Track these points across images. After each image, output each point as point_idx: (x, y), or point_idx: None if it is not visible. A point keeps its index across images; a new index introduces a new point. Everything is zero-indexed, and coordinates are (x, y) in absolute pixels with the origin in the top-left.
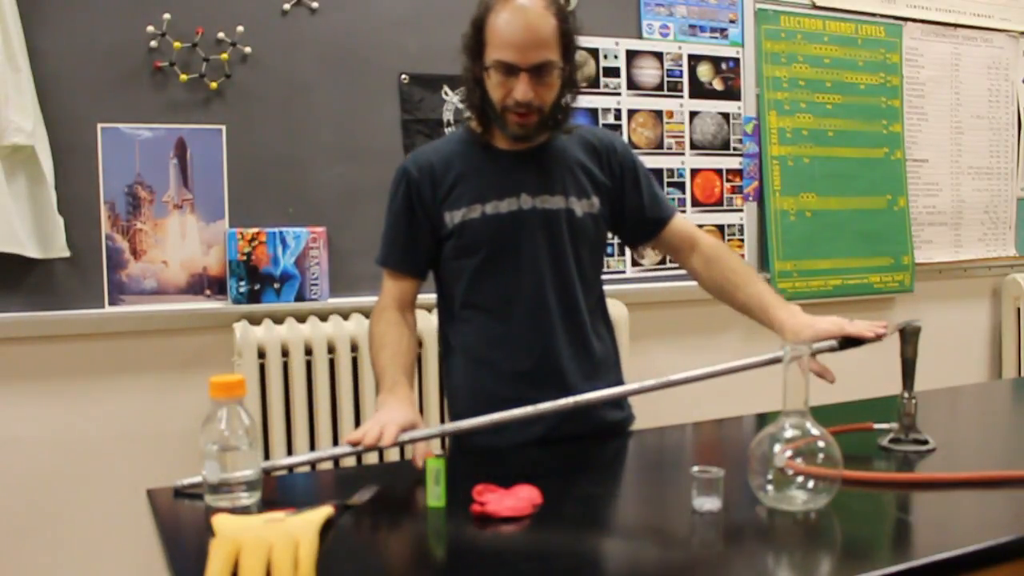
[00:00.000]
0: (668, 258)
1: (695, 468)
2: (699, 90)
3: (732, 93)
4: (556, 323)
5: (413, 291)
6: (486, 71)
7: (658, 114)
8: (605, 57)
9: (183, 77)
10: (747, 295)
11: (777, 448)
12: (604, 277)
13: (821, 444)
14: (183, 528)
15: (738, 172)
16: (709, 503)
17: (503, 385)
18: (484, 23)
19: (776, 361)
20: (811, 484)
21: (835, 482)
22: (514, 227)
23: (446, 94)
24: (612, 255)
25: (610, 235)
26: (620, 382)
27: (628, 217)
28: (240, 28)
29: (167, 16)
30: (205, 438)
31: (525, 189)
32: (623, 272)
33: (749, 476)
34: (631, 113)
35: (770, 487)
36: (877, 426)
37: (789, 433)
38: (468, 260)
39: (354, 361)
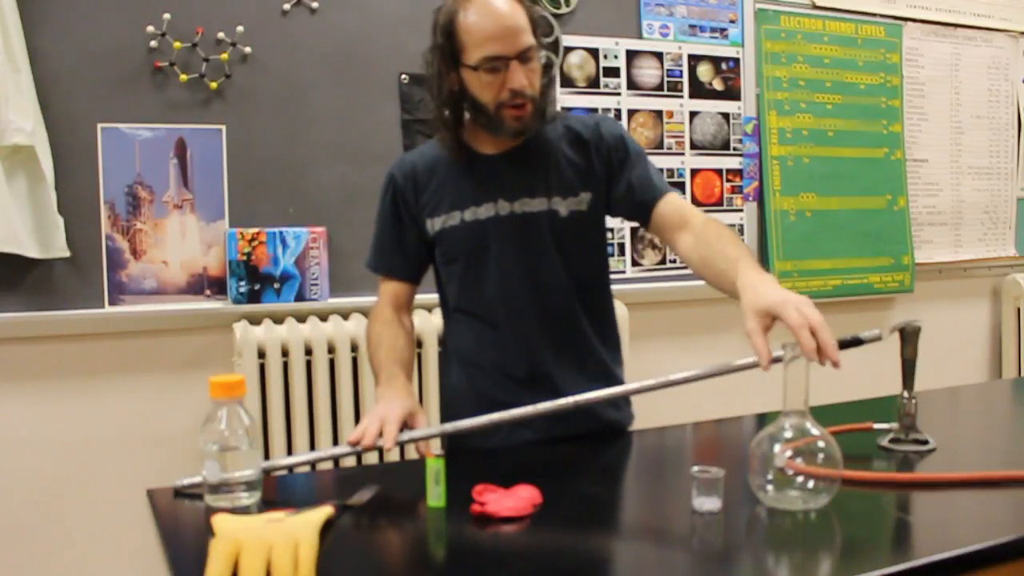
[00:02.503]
0: (668, 258)
1: (695, 468)
2: (699, 90)
3: (732, 93)
4: (540, 330)
5: (407, 294)
6: (474, 72)
7: (658, 114)
8: (605, 57)
9: (183, 77)
10: (725, 261)
11: (777, 448)
12: None
13: (821, 444)
14: (183, 528)
15: (738, 172)
16: (709, 503)
17: (497, 389)
18: (454, 27)
19: (776, 361)
20: (811, 484)
21: (835, 482)
22: (490, 234)
23: None
24: (612, 255)
25: (610, 236)
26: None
27: (619, 202)
28: (240, 28)
29: (167, 16)
30: (205, 438)
31: (503, 194)
32: (623, 272)
33: (749, 476)
34: (631, 113)
35: (770, 487)
36: (877, 426)
37: (789, 433)
38: (451, 267)
39: (354, 361)
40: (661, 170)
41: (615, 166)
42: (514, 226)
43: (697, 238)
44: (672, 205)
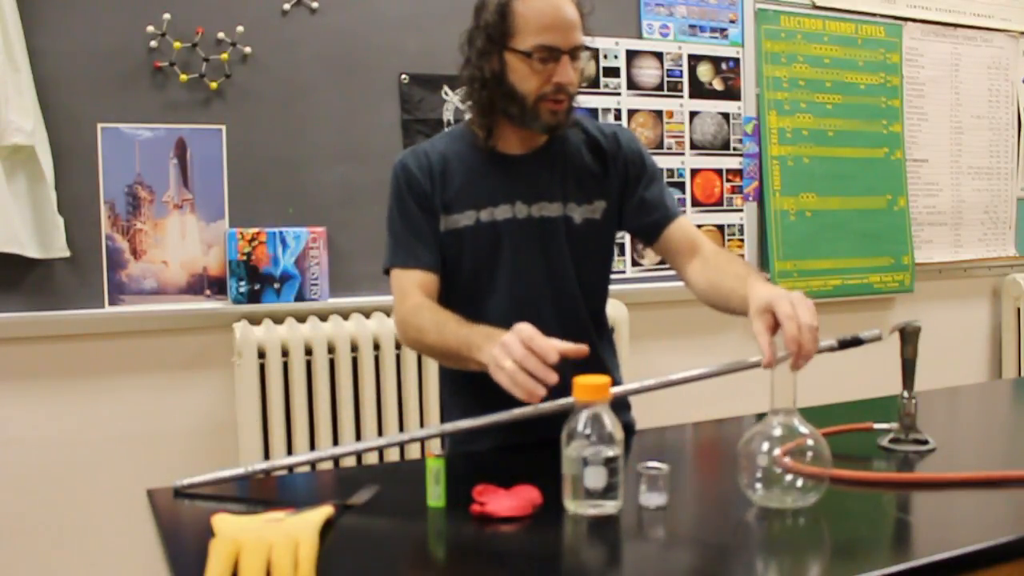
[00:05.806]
0: None
1: (640, 464)
2: (699, 90)
3: (732, 93)
4: (554, 335)
5: (435, 285)
6: (522, 58)
7: (658, 114)
8: (605, 57)
9: (183, 77)
10: (735, 279)
11: (765, 447)
12: None
13: (810, 442)
14: (183, 528)
15: (738, 172)
16: (656, 499)
17: (499, 392)
18: (509, 10)
19: (782, 360)
20: (800, 482)
21: (824, 480)
22: (505, 236)
23: (446, 94)
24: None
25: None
26: (624, 401)
27: (629, 216)
28: (240, 28)
29: (167, 16)
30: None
31: (521, 196)
32: (623, 272)
33: (738, 475)
34: (631, 113)
35: (759, 485)
36: (877, 426)
37: (777, 431)
38: (462, 267)
39: (354, 361)
40: (661, 170)
41: (631, 180)
42: (531, 230)
43: (706, 263)
44: (682, 231)
